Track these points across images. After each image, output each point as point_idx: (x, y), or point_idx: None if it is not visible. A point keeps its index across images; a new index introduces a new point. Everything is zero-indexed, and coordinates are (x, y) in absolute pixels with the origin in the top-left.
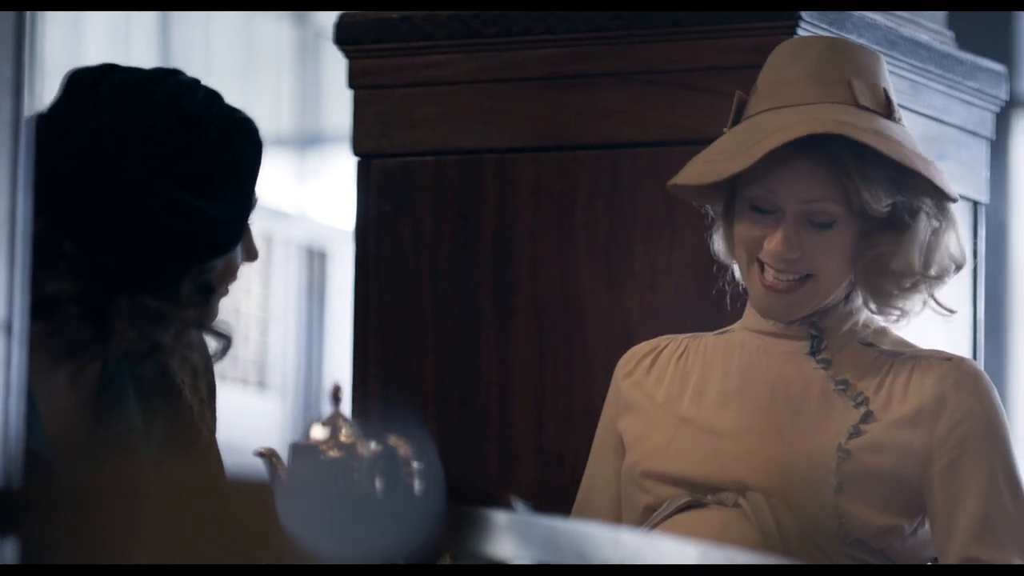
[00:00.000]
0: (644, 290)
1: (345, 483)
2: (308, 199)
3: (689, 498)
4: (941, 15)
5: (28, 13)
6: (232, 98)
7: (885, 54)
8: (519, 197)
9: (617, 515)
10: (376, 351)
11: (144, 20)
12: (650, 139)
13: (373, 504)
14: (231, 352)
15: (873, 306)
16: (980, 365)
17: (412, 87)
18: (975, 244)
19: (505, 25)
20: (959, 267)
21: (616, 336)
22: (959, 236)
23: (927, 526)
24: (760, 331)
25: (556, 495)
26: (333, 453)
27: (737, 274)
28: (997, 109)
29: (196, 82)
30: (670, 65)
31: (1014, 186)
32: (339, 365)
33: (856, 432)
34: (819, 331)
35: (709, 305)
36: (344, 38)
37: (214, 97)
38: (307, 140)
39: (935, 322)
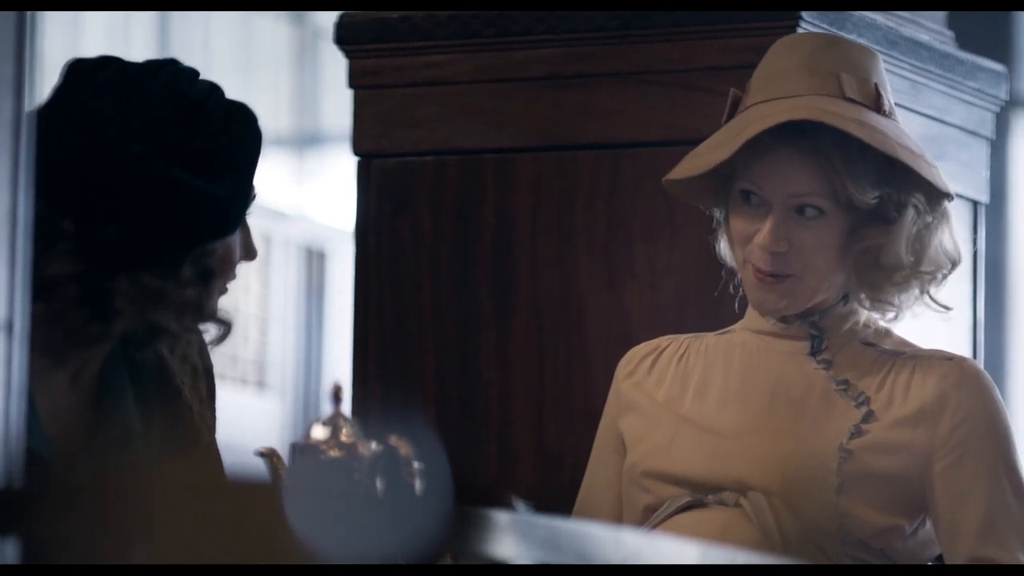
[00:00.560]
0: (644, 290)
1: (346, 483)
2: (307, 199)
3: (690, 498)
4: (941, 15)
5: (29, 13)
6: (231, 98)
7: (885, 54)
8: (519, 197)
9: (618, 515)
10: (376, 351)
11: (143, 20)
12: (650, 139)
13: (374, 504)
14: (230, 352)
15: (867, 301)
16: (981, 365)
17: (412, 87)
18: (975, 244)
19: (505, 25)
20: (955, 264)
21: (616, 336)
22: (953, 232)
23: (928, 526)
24: (761, 331)
25: (556, 495)
26: (334, 453)
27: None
28: (997, 109)
29: (195, 71)
30: (670, 65)
31: (1014, 186)
32: (338, 365)
33: (857, 432)
34: (819, 331)
35: (709, 305)
36: (344, 38)
37: (214, 86)
38: (306, 140)
39: (937, 322)
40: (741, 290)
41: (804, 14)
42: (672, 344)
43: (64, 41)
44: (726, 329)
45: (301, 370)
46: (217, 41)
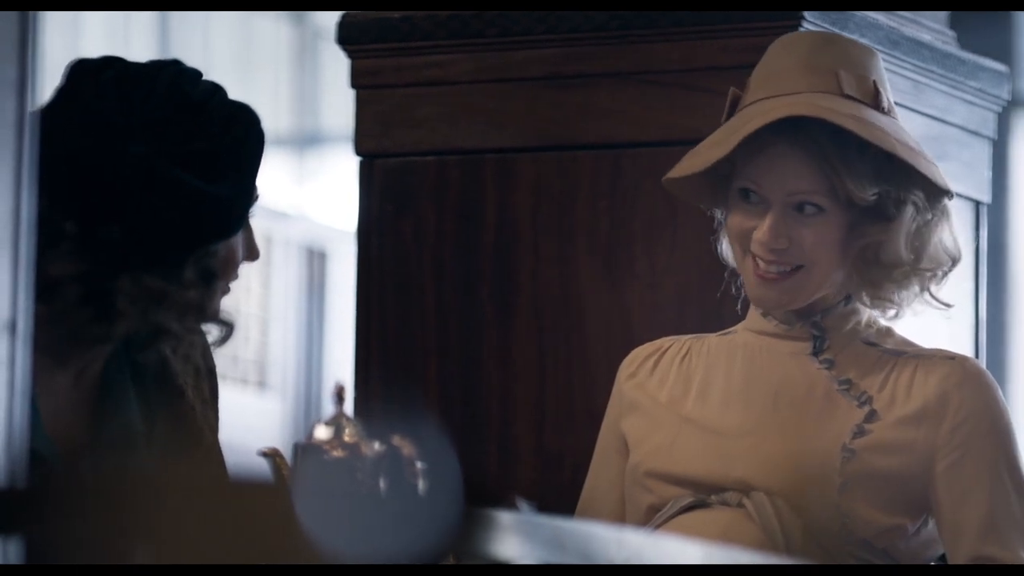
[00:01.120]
0: (645, 290)
1: (349, 483)
2: (307, 199)
3: (692, 498)
4: (943, 15)
5: (32, 14)
6: (233, 98)
7: (887, 54)
8: (520, 197)
9: (621, 516)
10: (378, 351)
11: (143, 20)
12: (650, 139)
13: (377, 504)
14: (231, 352)
15: (867, 299)
16: (983, 364)
17: (413, 87)
18: (977, 244)
19: (506, 25)
20: (954, 261)
21: (617, 336)
22: (953, 230)
23: (930, 526)
24: (763, 332)
25: (557, 495)
26: (337, 453)
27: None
28: (999, 109)
29: (198, 72)
30: (670, 65)
31: (1015, 186)
32: (339, 365)
33: (860, 432)
34: (821, 331)
35: (710, 305)
36: (346, 38)
37: (216, 87)
38: (306, 140)
39: (939, 321)
40: (743, 291)
41: (807, 14)
42: (674, 345)
43: (64, 41)
44: (728, 330)
45: (302, 370)
46: (217, 41)
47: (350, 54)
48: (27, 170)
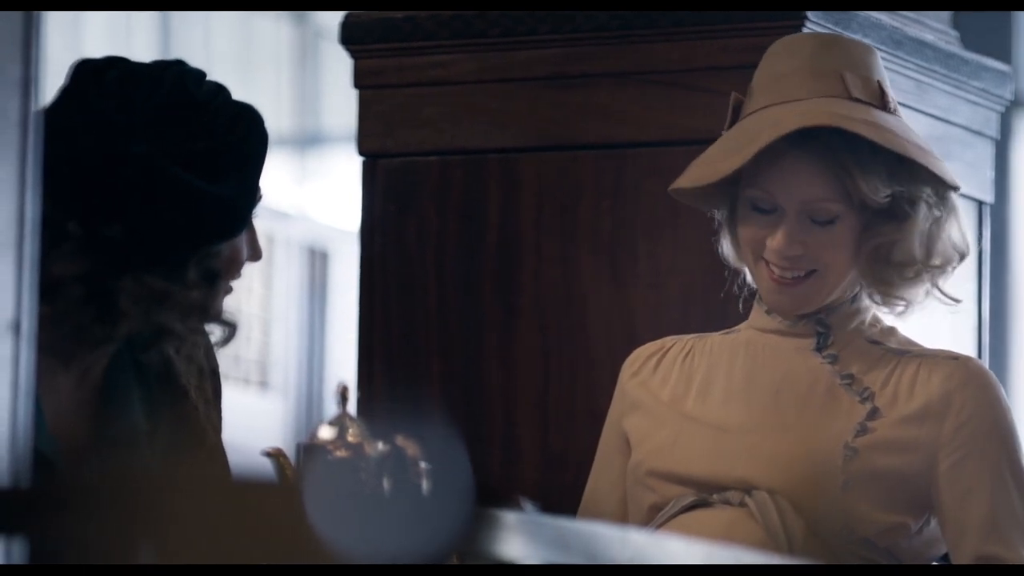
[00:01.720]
0: (648, 290)
1: (353, 483)
2: (309, 199)
3: (695, 497)
4: (946, 15)
5: (36, 14)
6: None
7: (890, 54)
8: (523, 197)
9: (623, 516)
10: (381, 351)
11: (144, 20)
12: (652, 139)
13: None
14: (233, 352)
15: (877, 297)
16: (986, 363)
17: (416, 87)
18: (980, 244)
19: (508, 25)
20: (962, 256)
21: (620, 336)
22: (961, 225)
23: (932, 525)
24: (767, 329)
25: (559, 495)
26: (341, 453)
27: (748, 278)
28: (1002, 109)
29: (202, 72)
30: (673, 65)
31: (1017, 186)
32: (341, 365)
33: (863, 430)
34: (826, 327)
35: (713, 304)
36: (349, 38)
37: (220, 87)
38: (307, 140)
39: (942, 321)
40: (745, 290)
41: (809, 14)
42: (677, 344)
43: (65, 41)
44: (732, 328)
45: (304, 370)
46: (218, 41)
47: (353, 54)
48: (31, 171)
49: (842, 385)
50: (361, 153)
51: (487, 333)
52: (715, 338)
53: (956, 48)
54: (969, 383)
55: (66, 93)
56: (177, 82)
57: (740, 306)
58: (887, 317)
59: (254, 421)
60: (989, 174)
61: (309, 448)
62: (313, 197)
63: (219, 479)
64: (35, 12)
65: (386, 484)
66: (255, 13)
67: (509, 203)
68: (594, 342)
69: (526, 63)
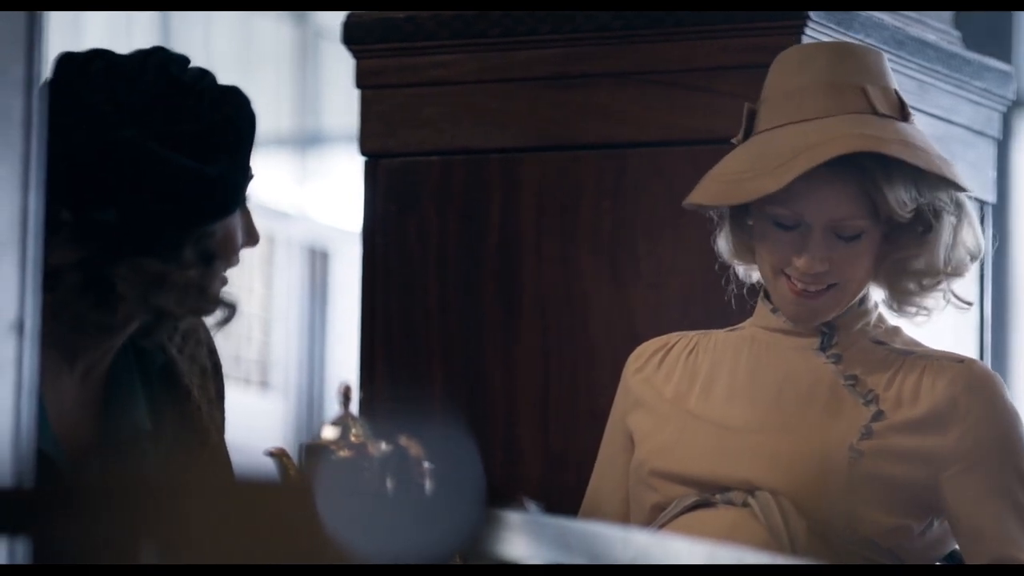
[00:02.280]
0: (649, 289)
1: (356, 483)
2: (309, 199)
3: (697, 497)
4: (948, 15)
5: (40, 15)
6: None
7: (892, 54)
8: (524, 197)
9: (626, 515)
10: (382, 351)
11: (144, 20)
12: (654, 139)
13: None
14: (234, 352)
15: (895, 305)
16: (988, 364)
17: (417, 87)
18: None
19: (509, 25)
20: (974, 258)
21: (621, 335)
22: (975, 227)
23: (936, 527)
24: (771, 327)
25: (561, 495)
26: (344, 453)
27: (740, 273)
28: (1004, 109)
29: (185, 57)
30: (674, 65)
31: (1018, 186)
32: (341, 365)
33: (868, 433)
34: (830, 328)
35: (714, 304)
36: (350, 38)
37: (204, 71)
38: (307, 140)
39: (944, 321)
40: (745, 289)
41: (811, 14)
42: (681, 340)
43: (65, 41)
44: (736, 326)
45: (304, 370)
46: (218, 41)
47: (354, 54)
48: (35, 170)
49: (845, 386)
50: (362, 153)
51: (488, 333)
52: (719, 335)
53: (958, 48)
54: (974, 387)
55: (50, 87)
56: (161, 68)
57: (733, 304)
58: (892, 317)
59: (255, 421)
60: (991, 174)
61: (312, 448)
62: (313, 197)
63: (222, 479)
64: (38, 12)
65: (389, 484)
66: (255, 13)
67: (510, 203)
68: (595, 342)
69: (527, 63)
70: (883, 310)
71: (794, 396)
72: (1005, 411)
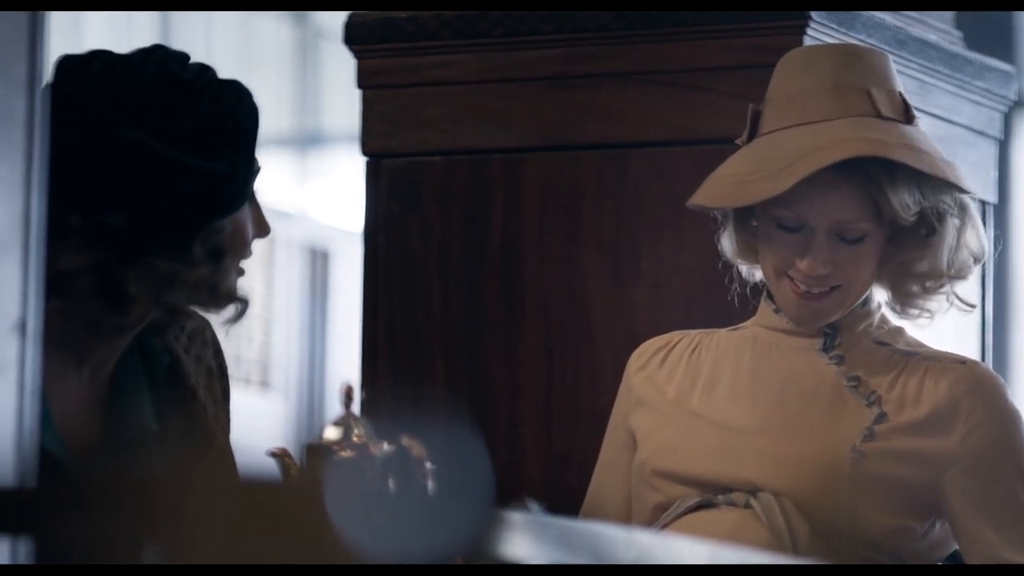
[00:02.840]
0: (651, 289)
1: (359, 483)
2: (309, 199)
3: (699, 498)
4: (950, 15)
5: (43, 15)
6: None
7: (894, 54)
8: (526, 197)
9: (628, 514)
10: (384, 351)
11: (145, 20)
12: (656, 139)
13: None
14: (234, 352)
15: (898, 306)
16: (989, 364)
17: (419, 87)
18: None
19: (512, 25)
20: (978, 261)
21: (624, 336)
22: (978, 229)
23: (938, 527)
24: (773, 327)
25: (563, 495)
26: (346, 453)
27: (744, 272)
28: (1005, 109)
29: (185, 55)
30: (676, 65)
31: (1019, 186)
32: (342, 365)
33: (870, 435)
34: (833, 329)
35: (716, 304)
36: (352, 38)
37: (204, 66)
38: (308, 140)
39: (946, 322)
40: (747, 289)
41: (813, 14)
42: (684, 339)
43: (65, 42)
44: (738, 325)
45: (305, 370)
46: (219, 41)
47: (356, 54)
48: (37, 171)
49: (848, 387)
50: (365, 153)
51: (490, 333)
52: (722, 334)
53: (959, 48)
54: (976, 389)
55: (52, 90)
56: (160, 65)
57: (736, 303)
58: (894, 318)
59: (255, 421)
60: (992, 174)
61: (315, 449)
62: (314, 197)
63: (227, 479)
64: (41, 12)
65: (392, 484)
66: (256, 13)
67: (512, 203)
68: (597, 342)
69: (529, 63)
70: (886, 311)
71: (796, 397)
72: (1007, 413)
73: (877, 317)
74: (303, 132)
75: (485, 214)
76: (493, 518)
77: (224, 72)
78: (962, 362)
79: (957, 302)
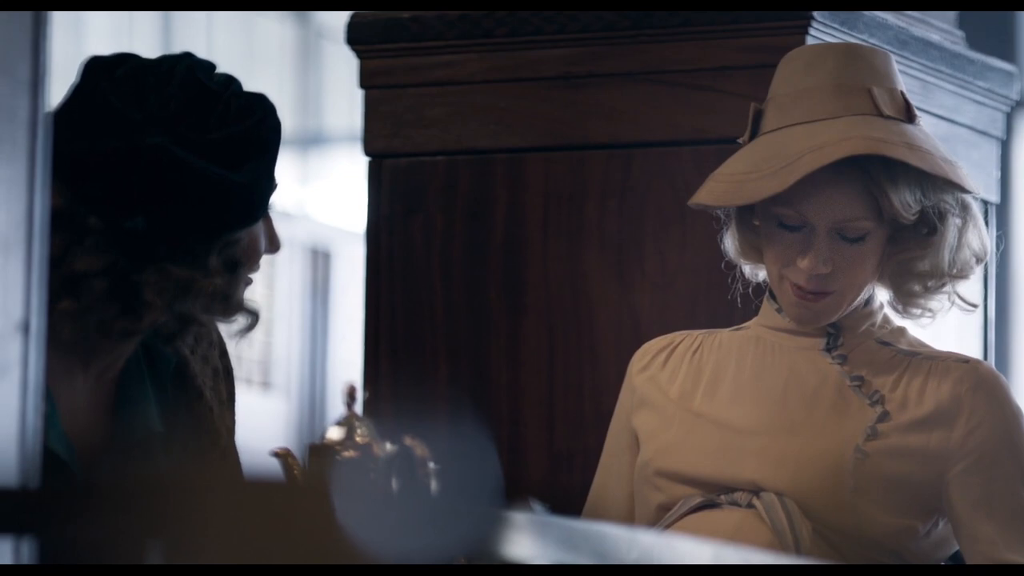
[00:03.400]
0: (655, 290)
1: (362, 483)
2: (311, 199)
3: (702, 498)
4: (952, 15)
5: (46, 14)
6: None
7: (896, 54)
8: (530, 197)
9: (630, 513)
10: (387, 351)
11: (146, 20)
12: (660, 139)
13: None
14: (235, 352)
15: (899, 305)
16: (992, 364)
17: (423, 87)
18: None
19: (516, 25)
20: (980, 260)
21: (626, 336)
22: (980, 229)
23: (940, 527)
24: (776, 327)
25: (566, 495)
26: (349, 453)
27: (747, 272)
28: (1007, 109)
29: (212, 64)
30: (680, 65)
31: (1021, 186)
32: (343, 365)
33: (873, 434)
34: (836, 329)
35: (720, 304)
36: (355, 38)
37: (231, 77)
38: (309, 140)
39: (948, 321)
40: (750, 289)
41: (816, 14)
42: (686, 339)
43: (67, 42)
44: (741, 325)
45: (306, 370)
46: (220, 41)
47: (359, 54)
48: (40, 170)
49: (851, 387)
50: (367, 153)
51: (493, 333)
52: (724, 334)
53: (961, 48)
54: (979, 388)
55: (78, 91)
56: (188, 74)
57: (739, 303)
58: (897, 317)
59: (257, 421)
60: (994, 174)
61: (318, 449)
62: (315, 197)
63: (233, 480)
64: (43, 12)
65: (395, 484)
66: (257, 13)
67: (516, 203)
68: (601, 342)
69: (533, 63)
70: (888, 311)
71: (799, 397)
72: (1010, 412)
73: (879, 317)
74: (305, 132)
75: (488, 214)
76: (496, 518)
77: (226, 72)
78: (965, 361)
79: (959, 302)
